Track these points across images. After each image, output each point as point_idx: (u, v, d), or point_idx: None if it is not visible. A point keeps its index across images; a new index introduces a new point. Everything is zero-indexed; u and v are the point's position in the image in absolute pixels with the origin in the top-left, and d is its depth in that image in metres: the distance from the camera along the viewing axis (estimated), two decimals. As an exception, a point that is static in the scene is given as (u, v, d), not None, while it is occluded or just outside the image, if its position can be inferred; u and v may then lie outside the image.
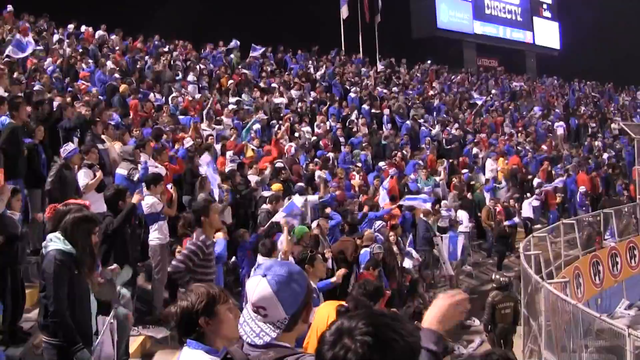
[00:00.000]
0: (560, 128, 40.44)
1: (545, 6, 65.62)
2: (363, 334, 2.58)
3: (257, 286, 3.65)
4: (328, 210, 17.75)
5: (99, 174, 13.40)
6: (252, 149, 21.44)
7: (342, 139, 26.94)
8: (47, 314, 6.91)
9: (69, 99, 19.06)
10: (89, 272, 7.23)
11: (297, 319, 3.66)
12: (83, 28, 30.30)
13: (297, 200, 16.40)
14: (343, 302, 8.31)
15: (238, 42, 34.38)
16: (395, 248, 17.69)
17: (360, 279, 13.72)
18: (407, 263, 18.59)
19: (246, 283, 4.05)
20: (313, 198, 18.15)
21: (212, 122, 22.99)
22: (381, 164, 25.05)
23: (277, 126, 25.16)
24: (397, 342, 2.61)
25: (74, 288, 6.94)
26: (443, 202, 23.06)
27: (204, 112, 23.78)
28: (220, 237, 11.73)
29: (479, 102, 39.67)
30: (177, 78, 27.51)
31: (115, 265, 9.25)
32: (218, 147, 20.41)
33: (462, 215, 23.35)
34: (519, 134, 36.24)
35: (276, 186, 17.97)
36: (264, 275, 3.67)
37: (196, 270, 8.82)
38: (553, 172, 31.03)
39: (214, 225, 9.09)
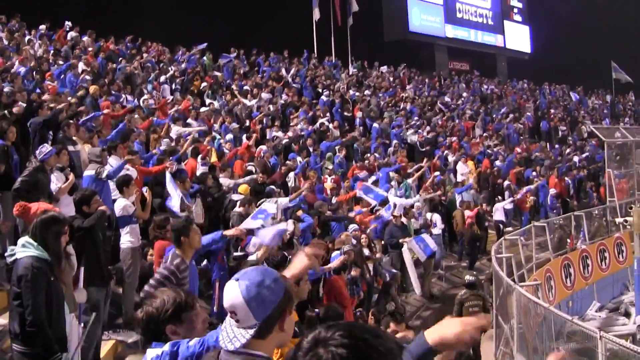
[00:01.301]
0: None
1: (516, 10, 65.94)
2: (338, 345, 2.54)
3: (230, 290, 3.63)
4: (299, 212, 17.74)
5: (71, 177, 13.15)
6: (218, 153, 21.32)
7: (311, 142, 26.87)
8: (24, 322, 6.83)
9: (44, 97, 19.03)
10: (61, 274, 7.16)
11: (271, 326, 3.61)
12: (67, 23, 30.07)
13: (268, 206, 16.41)
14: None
15: (206, 44, 34.26)
16: (367, 251, 17.68)
17: (328, 286, 13.79)
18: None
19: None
20: (284, 200, 18.10)
21: (179, 125, 22.89)
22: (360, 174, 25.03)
23: (250, 131, 25.14)
24: (372, 358, 2.57)
25: (51, 294, 6.87)
26: (416, 204, 23.07)
27: (170, 115, 23.64)
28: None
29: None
30: (149, 79, 27.36)
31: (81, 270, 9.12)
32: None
33: (436, 218, 23.41)
34: (490, 137, 36.43)
35: (243, 188, 17.91)
36: (236, 280, 3.66)
37: None
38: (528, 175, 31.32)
39: (194, 245, 8.94)
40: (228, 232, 10.20)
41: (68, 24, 29.93)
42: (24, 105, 17.42)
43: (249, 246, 13.31)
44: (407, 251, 20.14)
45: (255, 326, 3.60)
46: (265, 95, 30.64)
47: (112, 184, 14.13)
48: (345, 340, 2.54)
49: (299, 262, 5.04)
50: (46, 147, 13.03)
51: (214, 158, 19.92)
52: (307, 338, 2.65)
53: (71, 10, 34.53)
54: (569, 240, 25.80)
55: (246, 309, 3.59)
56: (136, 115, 21.83)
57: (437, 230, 23.07)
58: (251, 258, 12.32)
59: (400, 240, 20.22)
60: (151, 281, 8.77)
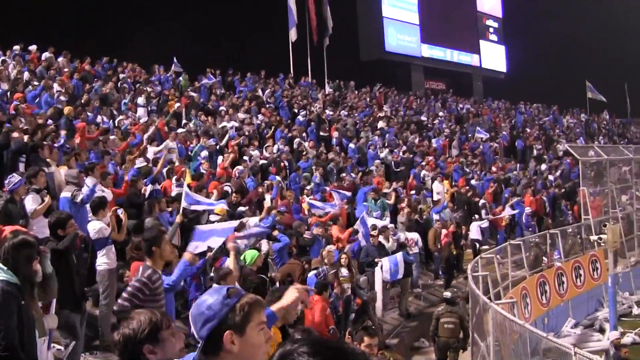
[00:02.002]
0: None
1: (491, 30, 66.32)
2: (303, 356, 2.62)
3: None
4: (275, 232, 17.76)
5: (47, 199, 13.13)
6: (195, 175, 21.27)
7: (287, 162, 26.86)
8: None
9: (16, 121, 18.96)
10: (32, 299, 7.14)
11: (216, 344, 3.70)
12: (32, 47, 29.95)
13: (251, 222, 16.56)
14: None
15: (175, 61, 34.28)
16: (345, 271, 17.71)
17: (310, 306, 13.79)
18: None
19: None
20: (253, 220, 18.11)
21: (155, 145, 22.86)
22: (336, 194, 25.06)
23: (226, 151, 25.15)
24: None
25: (22, 318, 6.84)
26: (390, 225, 23.12)
27: (146, 135, 23.59)
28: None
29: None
30: (125, 101, 27.29)
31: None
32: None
33: (414, 237, 23.47)
34: (466, 157, 36.59)
35: (220, 208, 17.90)
36: None
37: (143, 306, 8.49)
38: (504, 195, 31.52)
39: (165, 256, 8.90)
40: (186, 256, 10.17)
41: (33, 47, 29.84)
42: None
43: (223, 267, 13.35)
44: (379, 271, 20.17)
45: (200, 342, 3.76)
46: (241, 115, 30.63)
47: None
48: (310, 356, 2.61)
49: (290, 295, 5.15)
50: (15, 177, 12.91)
51: (188, 179, 19.88)
52: (275, 353, 2.73)
53: (46, 31, 34.57)
54: (544, 258, 25.95)
55: (193, 326, 3.77)
56: (113, 137, 21.84)
57: (414, 249, 23.13)
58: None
59: (376, 260, 20.27)
60: (124, 294, 8.76)
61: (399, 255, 20.46)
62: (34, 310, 7.17)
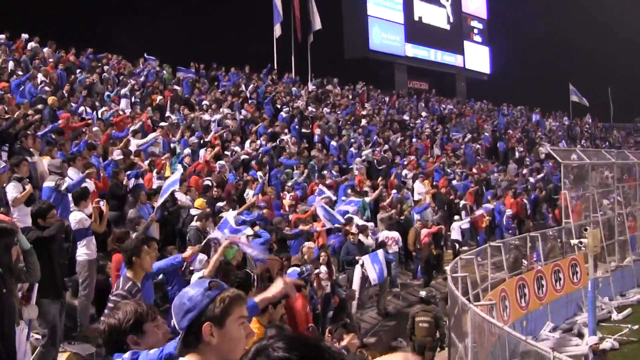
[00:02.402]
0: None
1: (476, 31, 66.50)
2: (278, 356, 2.59)
3: None
4: (256, 228, 17.69)
5: (28, 187, 13.06)
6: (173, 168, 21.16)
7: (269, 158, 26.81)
8: None
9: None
10: (13, 286, 7.06)
11: (197, 336, 3.71)
12: (24, 36, 29.81)
13: (230, 216, 16.42)
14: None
15: (153, 58, 34.13)
16: (324, 269, 17.65)
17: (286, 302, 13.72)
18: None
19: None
20: (231, 214, 18.03)
21: (138, 138, 22.78)
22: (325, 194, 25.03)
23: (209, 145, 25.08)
24: None
25: (3, 306, 6.76)
26: (370, 223, 23.11)
27: (132, 128, 23.53)
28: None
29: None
30: (108, 93, 27.14)
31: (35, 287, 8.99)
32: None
33: (394, 235, 23.40)
34: (448, 157, 36.63)
35: (199, 202, 17.84)
36: None
37: None
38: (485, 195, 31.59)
39: (145, 267, 8.83)
40: (186, 255, 10.18)
41: (25, 36, 29.66)
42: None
43: (194, 262, 13.32)
44: (359, 268, 20.13)
45: (181, 333, 3.77)
46: (224, 110, 30.55)
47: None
48: (286, 352, 2.60)
49: (275, 287, 5.15)
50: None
51: (168, 172, 19.78)
52: (251, 348, 2.72)
53: (32, 20, 34.41)
54: (524, 261, 25.97)
55: (175, 317, 3.78)
56: (96, 128, 21.73)
57: (394, 249, 23.06)
58: (197, 274, 12.27)
59: (357, 258, 20.24)
60: (106, 310, 8.70)
61: (380, 253, 20.44)
62: (14, 298, 7.09)
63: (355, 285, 20.09)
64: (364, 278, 20.26)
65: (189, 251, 10.51)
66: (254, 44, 44.96)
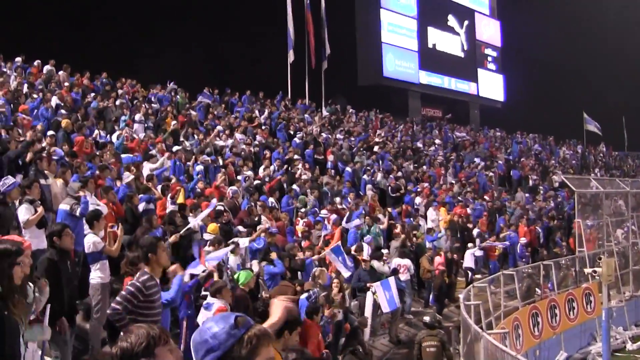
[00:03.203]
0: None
1: (490, 59, 66.57)
2: None
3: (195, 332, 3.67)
4: (274, 255, 17.69)
5: (40, 209, 13.03)
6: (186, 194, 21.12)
7: (285, 184, 26.80)
8: None
9: (13, 132, 19.02)
10: (17, 309, 6.99)
11: None
12: (37, 62, 29.96)
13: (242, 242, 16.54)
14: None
15: (174, 84, 34.19)
16: (337, 295, 17.60)
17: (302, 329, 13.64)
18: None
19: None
20: (243, 241, 18.01)
21: (152, 162, 22.82)
22: (323, 212, 25.04)
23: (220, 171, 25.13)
24: None
25: (4, 328, 6.71)
26: (384, 250, 23.05)
27: (147, 153, 23.64)
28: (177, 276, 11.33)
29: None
30: (123, 118, 27.16)
31: (48, 307, 8.93)
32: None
33: (406, 263, 23.30)
34: (462, 185, 36.53)
35: (212, 227, 17.80)
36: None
37: (137, 312, 8.48)
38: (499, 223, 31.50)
39: (162, 263, 8.79)
40: (178, 271, 10.12)
41: (38, 62, 29.86)
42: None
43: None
44: (370, 295, 20.06)
45: None
46: (238, 135, 30.58)
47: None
48: None
49: (276, 308, 5.06)
50: (10, 179, 12.93)
51: (181, 199, 19.74)
52: None
53: (47, 43, 34.61)
54: (538, 290, 25.82)
55: (194, 353, 3.62)
56: (107, 153, 21.79)
57: (406, 276, 22.97)
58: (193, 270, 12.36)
59: (368, 285, 20.16)
60: (117, 297, 8.66)
61: (392, 281, 20.35)
62: (19, 319, 7.02)
63: (368, 312, 20.00)
64: (376, 305, 20.19)
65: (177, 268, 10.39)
66: (268, 70, 45.12)
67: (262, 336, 3.64)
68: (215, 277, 14.29)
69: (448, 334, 18.21)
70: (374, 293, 19.91)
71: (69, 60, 31.08)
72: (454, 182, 37.15)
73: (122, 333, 7.89)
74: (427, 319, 17.34)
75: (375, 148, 37.87)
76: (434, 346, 16.57)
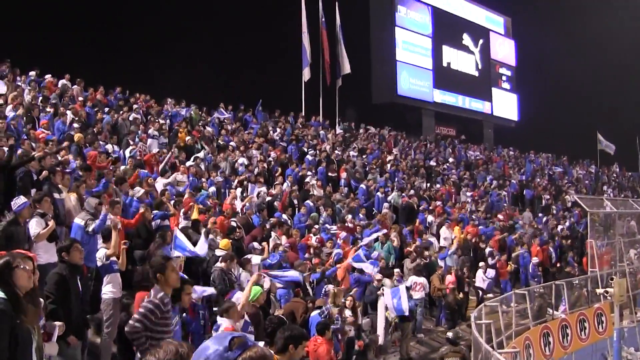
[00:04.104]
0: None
1: (504, 78, 66.45)
2: None
3: (198, 350, 3.76)
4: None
5: (51, 223, 13.06)
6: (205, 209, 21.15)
7: (296, 201, 26.82)
8: None
9: (26, 146, 19.13)
10: (28, 318, 7.04)
11: None
12: (48, 77, 30.04)
13: (254, 260, 16.63)
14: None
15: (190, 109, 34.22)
16: (349, 313, 17.65)
17: (310, 344, 13.67)
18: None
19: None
20: (256, 259, 18.06)
21: (167, 177, 22.92)
22: (333, 228, 25.09)
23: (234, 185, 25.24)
24: None
25: (17, 337, 6.76)
26: (396, 270, 23.06)
27: (159, 167, 23.74)
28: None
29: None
30: (139, 132, 27.20)
31: (61, 323, 8.97)
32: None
33: (422, 281, 23.31)
34: (475, 204, 36.51)
35: (224, 243, 17.83)
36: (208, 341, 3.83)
37: (154, 329, 8.51)
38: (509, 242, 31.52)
39: (171, 283, 8.81)
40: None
41: (48, 77, 29.97)
42: (6, 150, 17.37)
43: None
44: (382, 312, 20.13)
45: None
46: (253, 152, 30.66)
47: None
48: None
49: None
50: (21, 199, 12.93)
51: (195, 215, 19.78)
52: None
53: (62, 58, 34.74)
54: (549, 310, 25.76)
55: None
56: (122, 167, 21.84)
57: (421, 294, 22.98)
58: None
59: (378, 293, 20.25)
60: (136, 315, 8.68)
61: (402, 288, 20.47)
62: (31, 328, 7.07)
63: (380, 330, 20.05)
64: (388, 323, 20.26)
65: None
66: (282, 87, 45.22)
67: (257, 358, 3.66)
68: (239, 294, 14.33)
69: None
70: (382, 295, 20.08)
71: (82, 75, 31.26)
72: (467, 200, 37.11)
73: (137, 348, 7.96)
74: (450, 334, 17.68)
75: (389, 166, 37.89)
76: (456, 360, 16.90)
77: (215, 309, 14.35)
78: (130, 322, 8.68)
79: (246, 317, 12.07)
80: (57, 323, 8.85)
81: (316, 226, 24.30)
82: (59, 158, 19.25)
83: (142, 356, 8.29)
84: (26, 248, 11.59)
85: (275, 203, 25.24)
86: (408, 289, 22.11)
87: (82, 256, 11.16)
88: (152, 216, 17.93)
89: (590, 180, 54.67)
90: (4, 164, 16.47)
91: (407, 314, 20.70)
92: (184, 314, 13.53)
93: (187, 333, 14.57)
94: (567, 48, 63.88)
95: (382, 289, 20.36)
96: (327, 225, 25.32)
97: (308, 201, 26.92)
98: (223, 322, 11.58)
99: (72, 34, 41.88)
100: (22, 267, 7.13)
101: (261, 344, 7.44)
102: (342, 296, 17.27)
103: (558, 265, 32.21)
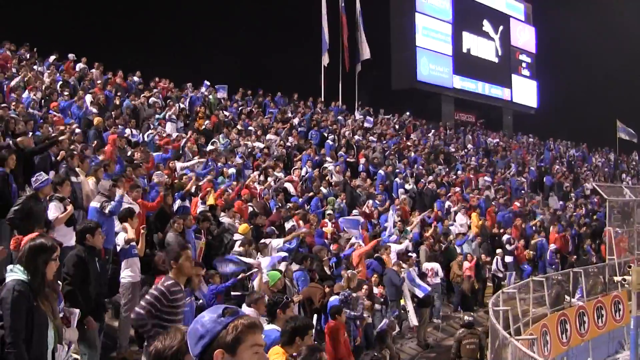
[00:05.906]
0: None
1: (524, 65, 66.23)
2: None
3: None
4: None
5: (69, 207, 13.08)
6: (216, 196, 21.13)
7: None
8: (3, 344, 6.80)
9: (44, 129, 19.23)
10: (47, 301, 7.10)
11: None
12: (71, 56, 30.03)
13: (275, 243, 16.70)
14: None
15: (208, 83, 34.23)
16: (366, 300, 17.66)
17: (326, 329, 13.72)
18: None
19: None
20: (277, 242, 18.06)
21: (186, 161, 22.96)
22: (354, 212, 25.10)
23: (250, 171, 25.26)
24: None
25: (33, 319, 6.83)
26: (413, 254, 23.05)
27: (180, 151, 23.79)
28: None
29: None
30: (157, 117, 27.23)
31: (77, 311, 9.00)
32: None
33: (435, 267, 23.29)
34: (494, 190, 36.40)
35: (243, 228, 17.86)
36: None
37: (161, 316, 8.54)
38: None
39: (185, 272, 8.82)
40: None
41: (71, 56, 29.93)
42: (30, 137, 17.46)
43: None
44: (406, 287, 20.29)
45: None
46: (271, 136, 30.65)
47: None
48: None
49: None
50: (43, 176, 12.89)
51: (211, 200, 19.80)
52: None
53: (81, 41, 34.80)
54: (567, 297, 25.71)
55: (189, 343, 3.80)
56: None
57: (435, 280, 22.96)
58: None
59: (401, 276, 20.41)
60: (142, 302, 8.71)
61: (411, 270, 20.68)
62: (49, 312, 7.13)
63: (407, 298, 20.31)
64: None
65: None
66: (302, 72, 45.17)
67: (248, 324, 3.80)
68: (256, 283, 14.39)
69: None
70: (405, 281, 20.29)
71: (101, 59, 31.35)
72: (486, 187, 36.99)
73: (144, 335, 7.99)
74: (469, 318, 17.86)
75: (407, 152, 37.83)
76: (474, 343, 17.32)
77: (233, 293, 14.43)
78: (136, 308, 8.72)
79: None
80: (75, 310, 8.90)
81: (330, 212, 24.19)
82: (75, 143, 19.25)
83: (148, 343, 8.32)
84: (44, 229, 11.64)
85: (291, 188, 25.28)
86: (424, 275, 22.17)
87: (103, 240, 11.25)
88: (172, 200, 17.99)
89: (610, 168, 54.39)
90: (29, 153, 16.57)
91: (429, 289, 20.88)
92: (200, 300, 13.53)
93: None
94: (587, 35, 63.37)
95: (403, 273, 20.46)
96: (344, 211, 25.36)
97: (322, 187, 26.81)
98: (247, 312, 11.61)
99: (92, 19, 42.01)
100: (56, 260, 7.24)
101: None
102: (355, 280, 17.25)
103: (575, 255, 32.09)
